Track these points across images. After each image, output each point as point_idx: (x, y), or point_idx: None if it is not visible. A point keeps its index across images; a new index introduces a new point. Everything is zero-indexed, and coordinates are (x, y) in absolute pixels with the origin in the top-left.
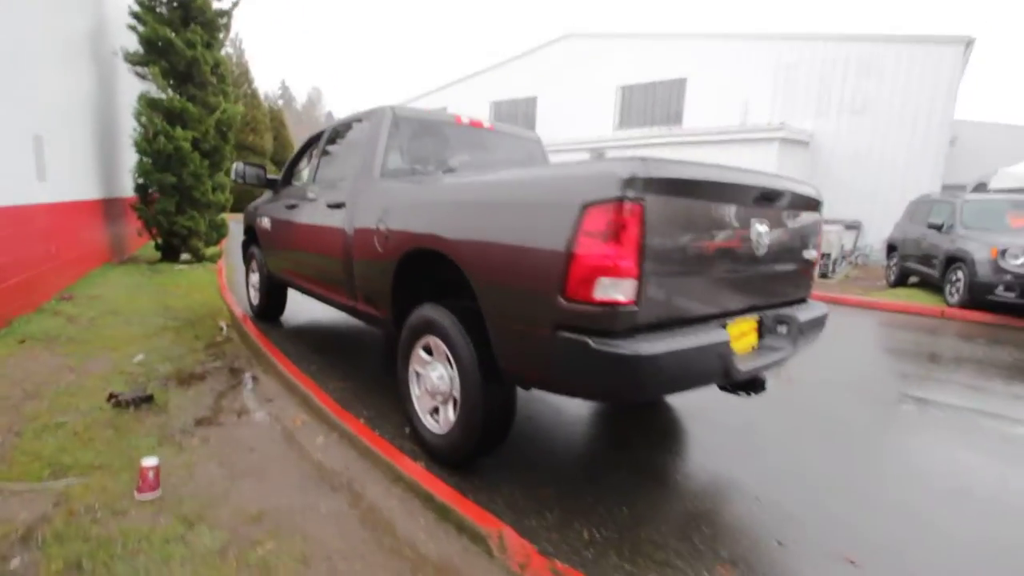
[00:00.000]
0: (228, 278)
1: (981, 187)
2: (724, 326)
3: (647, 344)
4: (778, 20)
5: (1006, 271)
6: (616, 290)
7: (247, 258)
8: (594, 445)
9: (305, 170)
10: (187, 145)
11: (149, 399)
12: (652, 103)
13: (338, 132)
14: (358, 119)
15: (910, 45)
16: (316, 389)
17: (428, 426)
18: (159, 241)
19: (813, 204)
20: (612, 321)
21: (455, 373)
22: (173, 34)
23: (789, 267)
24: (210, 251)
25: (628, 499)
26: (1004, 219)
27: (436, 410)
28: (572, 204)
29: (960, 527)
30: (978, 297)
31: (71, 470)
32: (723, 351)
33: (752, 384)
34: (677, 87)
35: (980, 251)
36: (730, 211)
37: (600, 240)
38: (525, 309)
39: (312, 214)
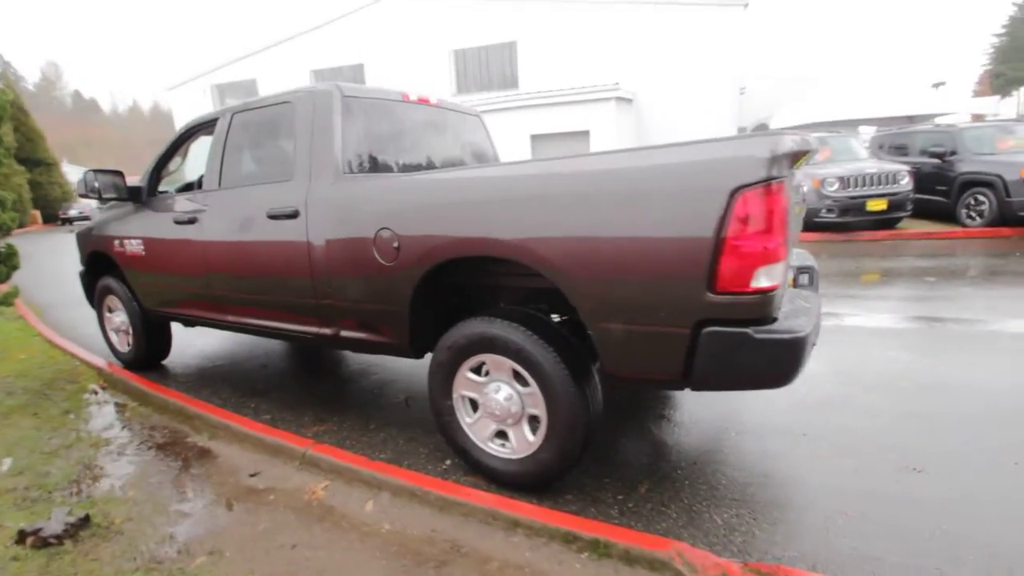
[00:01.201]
0: (51, 323)
1: (762, 127)
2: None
3: (796, 323)
4: None
5: (827, 196)
6: (768, 275)
7: (98, 295)
8: (622, 424)
9: (181, 173)
10: None
11: (85, 521)
12: (487, 67)
13: (245, 121)
14: (281, 102)
15: (700, 8)
16: (314, 444)
17: (494, 452)
18: None
19: None
20: (765, 307)
21: (534, 389)
22: None
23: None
24: (2, 292)
25: (713, 469)
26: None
27: (501, 433)
28: (718, 190)
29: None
30: (807, 221)
31: None
32: (818, 311)
33: None
34: (509, 50)
35: (804, 182)
36: (801, 174)
37: (752, 226)
38: (654, 308)
39: (233, 228)
